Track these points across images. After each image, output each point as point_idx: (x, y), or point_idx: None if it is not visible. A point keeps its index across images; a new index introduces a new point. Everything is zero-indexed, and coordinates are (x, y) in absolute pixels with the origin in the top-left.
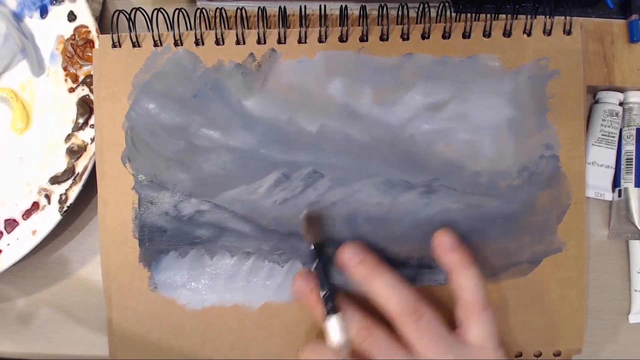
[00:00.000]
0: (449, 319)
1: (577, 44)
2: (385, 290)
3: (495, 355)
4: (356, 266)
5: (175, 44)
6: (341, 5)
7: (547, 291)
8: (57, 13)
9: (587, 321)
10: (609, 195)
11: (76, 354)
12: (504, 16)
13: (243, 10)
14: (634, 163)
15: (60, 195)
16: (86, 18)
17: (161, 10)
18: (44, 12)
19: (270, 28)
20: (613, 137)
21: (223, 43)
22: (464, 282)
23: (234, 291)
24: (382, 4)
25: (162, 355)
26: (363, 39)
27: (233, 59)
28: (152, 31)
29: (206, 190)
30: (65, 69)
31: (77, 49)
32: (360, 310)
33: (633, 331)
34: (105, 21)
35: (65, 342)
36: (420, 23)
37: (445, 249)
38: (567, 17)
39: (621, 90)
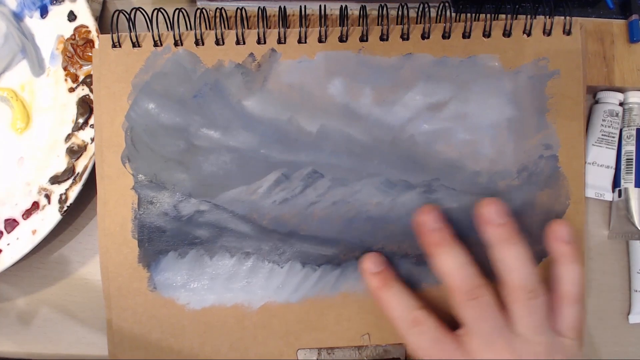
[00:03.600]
0: (449, 319)
1: (577, 44)
2: (515, 260)
3: (575, 345)
4: (498, 227)
5: (175, 44)
6: (341, 5)
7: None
8: (57, 13)
9: (587, 321)
10: (609, 196)
11: (76, 354)
12: (503, 16)
13: (243, 10)
14: (634, 163)
15: (60, 195)
16: (86, 18)
17: (161, 10)
18: (44, 12)
19: (270, 28)
20: (613, 137)
21: (223, 43)
22: (510, 261)
23: (233, 291)
24: (382, 4)
25: (162, 356)
26: (363, 39)
27: (233, 59)
28: (152, 31)
29: (206, 190)
30: (65, 68)
31: (77, 49)
32: (476, 266)
33: (633, 331)
34: (105, 21)
35: (65, 342)
36: (420, 23)
37: (489, 222)
38: (567, 17)
39: (621, 90)
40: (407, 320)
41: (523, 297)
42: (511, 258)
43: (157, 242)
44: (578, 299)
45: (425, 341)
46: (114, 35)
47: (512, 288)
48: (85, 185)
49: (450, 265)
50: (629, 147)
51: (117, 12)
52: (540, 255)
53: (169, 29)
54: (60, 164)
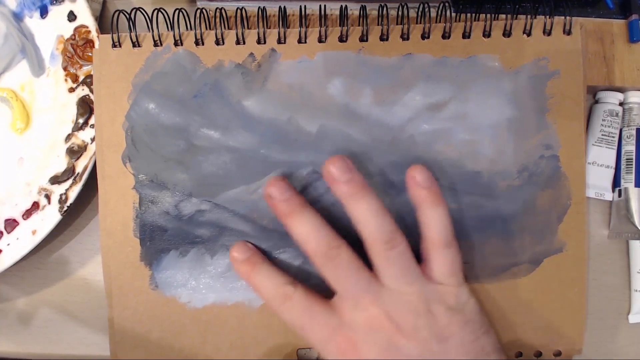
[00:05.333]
0: None
1: (577, 44)
2: (366, 214)
3: (458, 292)
4: (343, 184)
5: (175, 44)
6: (341, 5)
7: (547, 291)
8: (57, 13)
9: (587, 321)
10: (609, 195)
11: (76, 354)
12: (503, 16)
13: (243, 10)
14: (634, 163)
15: (60, 195)
16: (86, 18)
17: (161, 10)
18: (44, 12)
19: (270, 28)
20: (613, 137)
21: (223, 43)
22: (431, 219)
23: (234, 290)
24: (382, 4)
25: (163, 354)
26: (363, 39)
27: (233, 59)
28: (152, 31)
29: (206, 190)
30: (65, 69)
31: (77, 49)
32: (331, 228)
33: (633, 331)
34: (105, 21)
35: (65, 342)
36: (420, 23)
37: (417, 184)
38: (567, 17)
39: (621, 90)
40: (276, 298)
41: (380, 249)
42: (361, 212)
43: (159, 240)
44: (446, 244)
45: (296, 314)
46: (114, 35)
47: (368, 242)
48: (85, 186)
49: (304, 230)
50: (629, 147)
51: (117, 12)
52: (541, 255)
53: (169, 29)
54: (60, 164)
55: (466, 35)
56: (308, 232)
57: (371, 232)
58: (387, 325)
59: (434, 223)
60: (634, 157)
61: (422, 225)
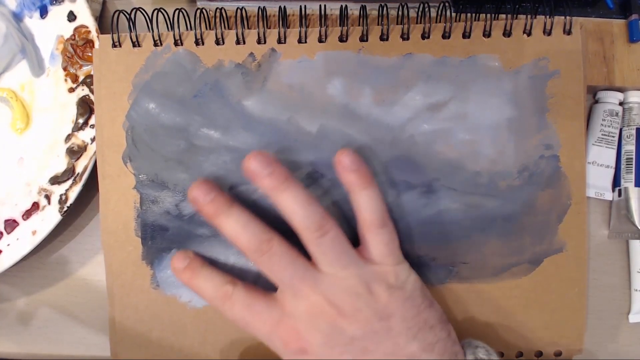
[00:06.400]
0: (452, 319)
1: (577, 44)
2: (292, 204)
3: (397, 270)
4: (265, 177)
5: (175, 44)
6: (341, 5)
7: (547, 291)
8: (57, 13)
9: (587, 321)
10: (609, 195)
11: (76, 354)
12: (504, 16)
13: (243, 10)
14: (634, 163)
15: (60, 195)
16: (86, 18)
17: (161, 10)
18: (43, 12)
19: (270, 28)
20: (613, 137)
21: (223, 43)
22: (362, 201)
23: None
24: (382, 4)
25: (163, 354)
26: (363, 39)
27: (233, 58)
28: (152, 31)
29: None
30: (65, 69)
31: (77, 49)
32: (261, 222)
33: (633, 331)
34: (105, 21)
35: (65, 342)
36: (420, 23)
37: (345, 168)
38: (567, 17)
39: (621, 90)
40: (217, 299)
41: (312, 236)
42: (288, 203)
43: (160, 240)
44: (380, 224)
45: (238, 312)
46: (114, 35)
47: (299, 231)
48: (85, 186)
49: (233, 228)
50: (629, 147)
51: (117, 12)
52: (541, 255)
53: (169, 29)
54: (60, 164)
55: (466, 35)
56: (237, 230)
57: (300, 221)
58: (328, 310)
59: (365, 205)
60: (634, 156)
61: (355, 209)
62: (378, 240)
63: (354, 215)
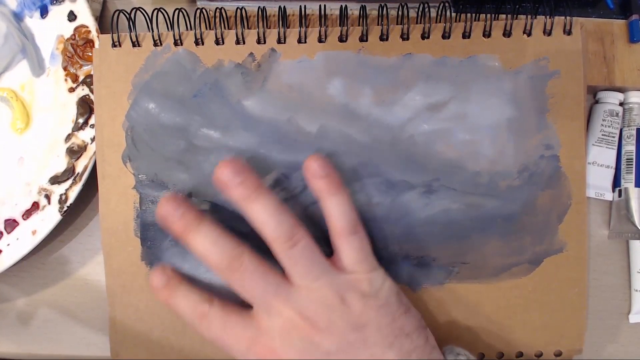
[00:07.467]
0: (452, 319)
1: (577, 44)
2: (263, 214)
3: (371, 277)
4: (236, 187)
5: (175, 44)
6: (341, 5)
7: (547, 291)
8: (57, 13)
9: (587, 321)
10: (609, 195)
11: (76, 354)
12: (504, 16)
13: (243, 10)
14: (634, 163)
15: (60, 195)
16: (86, 18)
17: (161, 10)
18: (44, 12)
19: (270, 28)
20: (613, 137)
21: (223, 43)
22: (332, 208)
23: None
24: (382, 4)
25: (163, 354)
26: (363, 39)
27: (233, 58)
28: (152, 31)
29: (206, 190)
30: (65, 68)
31: (77, 49)
32: (231, 237)
33: (633, 331)
34: (105, 21)
35: (65, 342)
36: (420, 23)
37: (313, 175)
38: (567, 17)
39: (621, 90)
40: (194, 318)
41: (282, 247)
42: (258, 213)
43: (160, 240)
44: (351, 231)
45: (214, 331)
46: (114, 35)
47: (269, 242)
48: (85, 186)
49: (202, 245)
50: (629, 147)
51: (117, 12)
52: (541, 255)
53: (169, 28)
54: (60, 164)
55: (466, 35)
56: (206, 247)
57: (270, 231)
58: (301, 325)
59: (335, 211)
60: (634, 157)
61: (325, 216)
62: (350, 247)
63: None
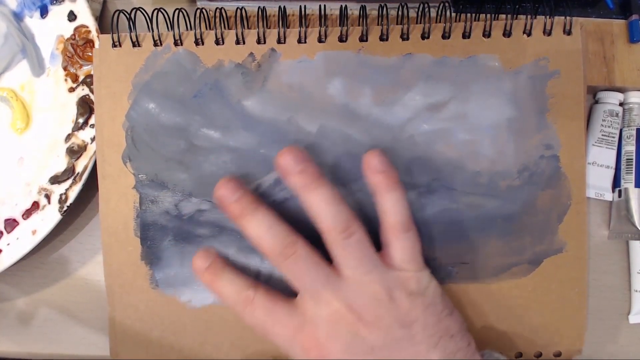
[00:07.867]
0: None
1: (577, 44)
2: (321, 204)
3: (419, 276)
4: (296, 174)
5: (175, 44)
6: (341, 5)
7: (547, 292)
8: (57, 13)
9: (587, 321)
10: (609, 196)
11: (76, 354)
12: (504, 16)
13: (243, 10)
14: (634, 163)
15: (60, 195)
16: (86, 18)
17: (161, 10)
18: (44, 12)
19: (270, 28)
20: (613, 137)
21: (223, 43)
22: (387, 204)
23: None
24: (382, 4)
25: (163, 354)
26: (363, 39)
27: (233, 58)
28: (152, 31)
29: (206, 189)
30: (65, 68)
31: (77, 49)
32: (286, 224)
33: (633, 331)
34: (105, 21)
35: (65, 342)
36: (420, 23)
37: (372, 170)
38: (567, 17)
39: (621, 90)
40: (238, 304)
41: (337, 238)
42: (315, 202)
43: (159, 240)
44: (404, 228)
45: (258, 317)
46: (114, 35)
47: (324, 232)
48: (85, 185)
49: (257, 231)
50: (629, 147)
51: (117, 12)
52: (541, 256)
53: (169, 29)
54: (60, 164)
55: (466, 35)
56: (261, 232)
57: (326, 221)
58: (349, 318)
59: (391, 208)
60: (634, 157)
61: (379, 212)
62: (402, 245)
63: (376, 218)
